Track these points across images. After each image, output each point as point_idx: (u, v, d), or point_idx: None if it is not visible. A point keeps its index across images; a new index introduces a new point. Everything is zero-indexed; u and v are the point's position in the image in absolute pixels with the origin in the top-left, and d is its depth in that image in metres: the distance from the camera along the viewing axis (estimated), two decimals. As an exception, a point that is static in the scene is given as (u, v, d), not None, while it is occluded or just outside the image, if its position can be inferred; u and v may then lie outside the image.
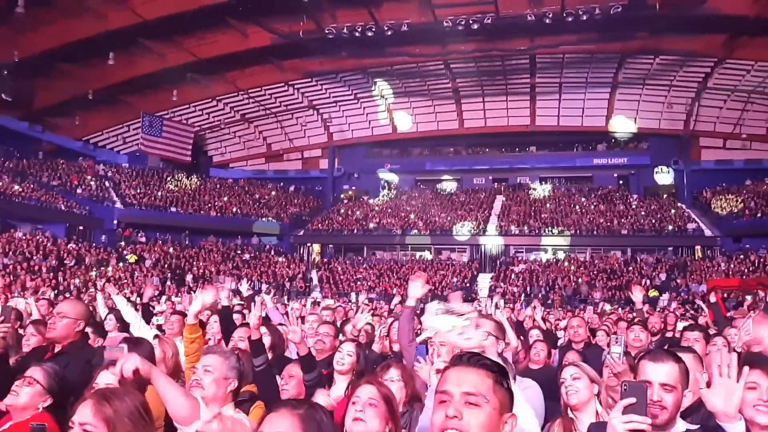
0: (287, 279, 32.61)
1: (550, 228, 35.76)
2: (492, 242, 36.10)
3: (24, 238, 27.78)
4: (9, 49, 29.17)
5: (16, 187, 30.12)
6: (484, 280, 32.34)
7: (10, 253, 25.38)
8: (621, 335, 3.79)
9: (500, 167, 44.03)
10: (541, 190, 41.67)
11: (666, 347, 4.44)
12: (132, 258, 30.51)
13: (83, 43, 29.41)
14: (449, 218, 37.83)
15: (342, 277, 33.48)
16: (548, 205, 39.43)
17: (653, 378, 2.14)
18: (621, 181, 42.51)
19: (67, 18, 28.63)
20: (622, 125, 39.37)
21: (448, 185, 44.81)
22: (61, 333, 3.62)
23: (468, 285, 31.65)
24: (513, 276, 32.30)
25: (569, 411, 3.12)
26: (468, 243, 36.32)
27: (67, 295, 20.21)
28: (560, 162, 43.19)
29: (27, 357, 3.83)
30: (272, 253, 36.92)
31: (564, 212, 37.98)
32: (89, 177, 36.22)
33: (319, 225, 39.63)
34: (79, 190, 34.34)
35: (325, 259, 37.03)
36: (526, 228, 36.24)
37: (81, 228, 32.34)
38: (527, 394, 3.28)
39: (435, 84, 40.04)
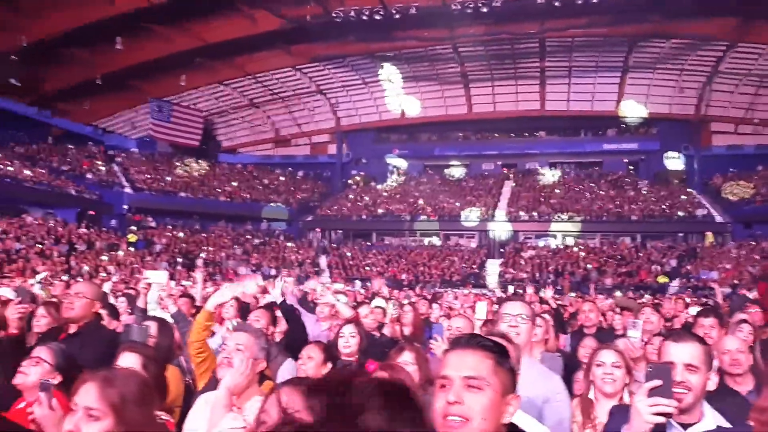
0: (297, 264, 32.69)
1: (559, 214, 35.62)
2: (501, 228, 36.00)
3: (35, 222, 27.91)
4: (17, 34, 29.15)
5: (27, 171, 30.22)
6: (493, 266, 32.30)
7: (22, 237, 25.52)
8: (638, 320, 3.78)
9: (509, 152, 43.77)
10: (550, 176, 41.44)
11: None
12: (132, 238, 30.69)
13: (91, 28, 29.30)
14: (458, 204, 37.74)
15: (351, 262, 33.54)
16: (558, 190, 39.25)
17: (676, 359, 2.08)
18: (631, 167, 42.24)
19: (74, 2, 28.53)
20: (633, 110, 38.96)
21: (457, 171, 44.64)
22: (78, 313, 3.64)
23: (476, 271, 31.64)
24: (522, 262, 32.24)
25: (593, 393, 3.09)
26: (477, 229, 36.28)
27: (79, 279, 20.33)
28: (570, 147, 42.93)
29: (43, 337, 3.85)
30: (282, 238, 36.98)
31: (574, 198, 37.80)
32: (99, 162, 36.31)
33: (328, 210, 39.64)
34: (89, 175, 34.43)
35: (333, 245, 37.11)
36: (535, 214, 36.12)
37: (91, 213, 32.46)
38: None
39: (443, 68, 39.79)
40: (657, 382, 1.76)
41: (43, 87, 35.16)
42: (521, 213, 36.34)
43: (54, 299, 6.33)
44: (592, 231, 35.17)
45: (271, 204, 38.73)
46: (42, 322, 4.24)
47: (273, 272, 30.20)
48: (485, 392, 1.49)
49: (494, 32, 33.11)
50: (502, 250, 34.61)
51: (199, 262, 28.76)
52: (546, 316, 6.12)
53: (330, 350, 3.56)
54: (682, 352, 2.11)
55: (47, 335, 3.82)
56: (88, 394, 1.75)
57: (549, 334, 4.96)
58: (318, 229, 38.50)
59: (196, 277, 5.74)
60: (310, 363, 3.33)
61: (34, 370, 2.66)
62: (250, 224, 37.96)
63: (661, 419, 1.74)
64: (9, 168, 29.42)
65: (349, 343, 3.84)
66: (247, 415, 2.40)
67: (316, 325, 5.74)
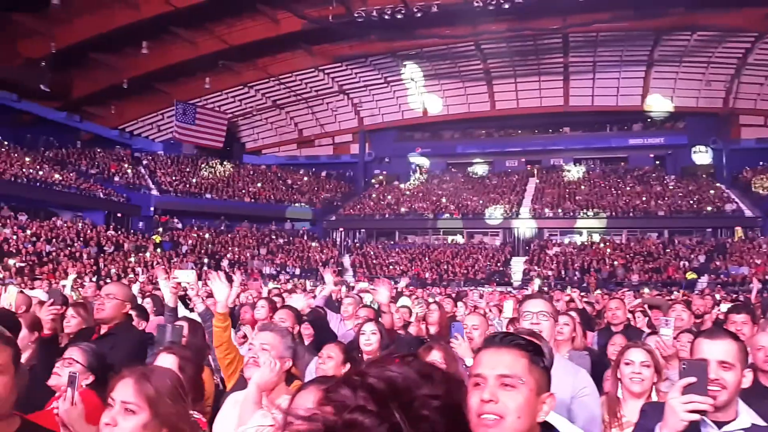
0: (321, 263, 32.82)
1: (585, 210, 35.23)
2: (525, 225, 35.75)
3: (65, 225, 28.46)
4: (46, 41, 29.81)
5: (57, 175, 30.82)
6: (518, 264, 32.09)
7: (53, 240, 26.03)
8: (670, 318, 3.73)
9: (533, 149, 43.41)
10: (575, 172, 41.01)
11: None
12: (157, 238, 31.12)
13: (117, 33, 29.80)
14: (481, 201, 37.56)
15: (374, 261, 33.58)
16: (583, 186, 38.83)
17: (710, 356, 2.03)
18: (657, 162, 41.62)
19: (101, 8, 29.02)
20: (659, 104, 38.42)
21: (480, 168, 44.45)
22: (109, 314, 3.68)
23: (501, 269, 31.46)
24: (547, 259, 31.96)
25: (620, 392, 3.04)
26: (501, 226, 36.04)
27: (108, 280, 20.65)
28: (595, 143, 42.42)
29: (75, 338, 3.91)
30: (305, 238, 37.18)
31: (599, 194, 37.36)
32: (126, 165, 36.88)
33: (351, 210, 39.74)
34: (116, 178, 35.00)
35: (356, 244, 37.20)
36: (560, 210, 35.78)
37: (119, 215, 33.01)
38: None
39: (466, 65, 39.60)
40: (691, 379, 1.73)
41: (72, 92, 35.78)
42: (546, 210, 36.03)
43: (83, 300, 6.44)
44: (618, 227, 34.70)
45: (295, 204, 38.97)
46: (72, 323, 4.29)
47: (297, 271, 30.46)
48: (520, 390, 1.48)
49: (517, 28, 32.86)
50: (526, 247, 34.33)
51: (224, 263, 29.05)
52: (572, 313, 6.07)
53: (349, 350, 3.57)
54: (716, 349, 2.06)
55: (79, 336, 3.88)
56: (125, 388, 1.80)
57: (576, 332, 4.90)
58: (341, 229, 38.62)
59: (234, 279, 5.72)
60: (330, 363, 3.33)
61: (67, 371, 2.71)
62: (275, 224, 38.25)
63: (696, 417, 1.72)
64: (39, 172, 30.04)
65: (370, 340, 3.85)
66: (276, 413, 2.41)
67: (341, 324, 5.76)
